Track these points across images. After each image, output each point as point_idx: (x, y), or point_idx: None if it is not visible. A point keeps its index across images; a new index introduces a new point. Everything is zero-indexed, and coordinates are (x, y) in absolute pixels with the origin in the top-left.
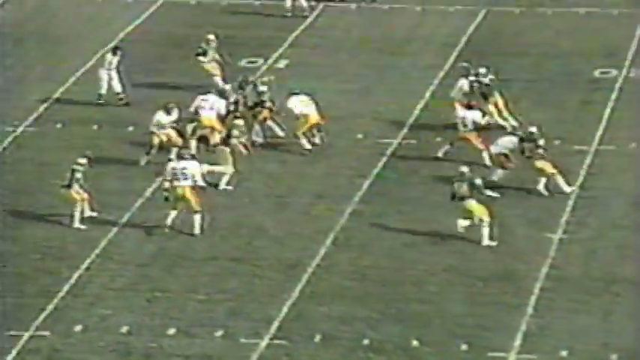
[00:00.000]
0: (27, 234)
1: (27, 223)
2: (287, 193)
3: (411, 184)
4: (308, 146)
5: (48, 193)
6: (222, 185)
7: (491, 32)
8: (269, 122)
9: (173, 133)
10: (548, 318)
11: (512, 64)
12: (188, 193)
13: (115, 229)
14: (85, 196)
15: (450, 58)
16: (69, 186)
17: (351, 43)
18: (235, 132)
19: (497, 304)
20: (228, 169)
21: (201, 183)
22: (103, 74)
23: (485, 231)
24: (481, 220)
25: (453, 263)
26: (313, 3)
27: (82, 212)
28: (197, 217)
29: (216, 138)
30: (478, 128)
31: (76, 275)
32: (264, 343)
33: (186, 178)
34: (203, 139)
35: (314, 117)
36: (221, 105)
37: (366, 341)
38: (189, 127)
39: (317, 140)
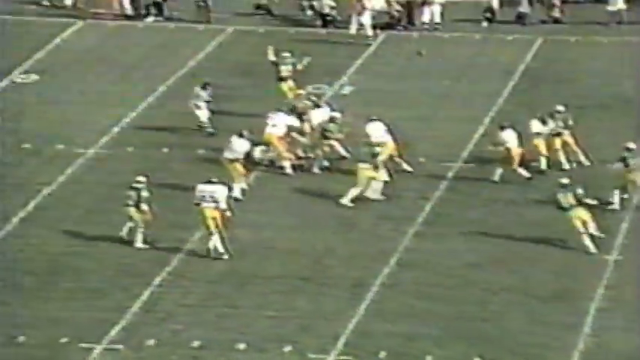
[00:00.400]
0: (102, 251)
1: (101, 241)
2: (353, 214)
3: (472, 206)
4: (385, 177)
5: (121, 213)
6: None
7: (547, 60)
8: (335, 144)
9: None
10: (604, 337)
11: (568, 91)
12: (213, 216)
13: (186, 248)
14: (149, 216)
15: (508, 85)
16: (136, 205)
17: (414, 70)
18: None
19: (556, 323)
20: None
21: (223, 206)
22: (192, 107)
23: (588, 240)
24: (585, 227)
25: (513, 283)
26: (378, 31)
27: (144, 232)
28: (215, 238)
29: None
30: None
31: (148, 292)
32: (331, 359)
33: (213, 201)
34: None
35: (390, 145)
36: (288, 122)
37: (429, 358)
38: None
39: (407, 167)
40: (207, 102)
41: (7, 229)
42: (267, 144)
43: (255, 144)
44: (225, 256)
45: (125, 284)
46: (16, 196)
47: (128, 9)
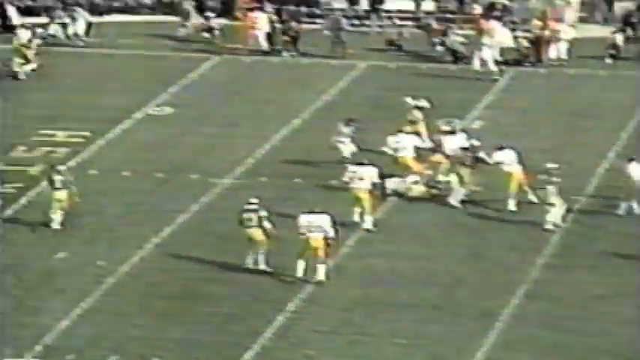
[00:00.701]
0: (235, 277)
1: (235, 267)
2: (482, 244)
3: (599, 239)
4: (513, 207)
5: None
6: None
7: None
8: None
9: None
10: None
11: None
12: (318, 245)
13: (319, 275)
14: (275, 232)
15: (632, 120)
16: (259, 226)
17: (541, 105)
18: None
19: None
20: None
21: (332, 235)
22: (335, 143)
23: None
24: None
25: None
26: (504, 67)
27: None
28: (322, 267)
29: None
30: None
31: (281, 317)
32: None
33: (320, 231)
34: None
35: (517, 175)
36: (415, 143)
37: None
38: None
39: (534, 199)
40: (351, 137)
41: (142, 255)
42: (405, 168)
43: (384, 175)
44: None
45: (258, 310)
46: (151, 223)
47: (264, 45)
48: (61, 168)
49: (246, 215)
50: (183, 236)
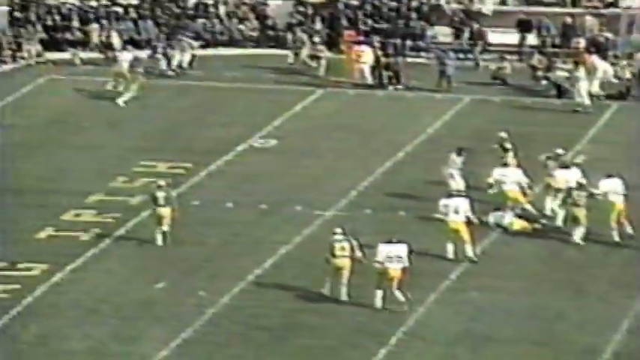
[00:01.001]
0: (337, 310)
1: (337, 299)
2: (585, 280)
3: None
4: (616, 238)
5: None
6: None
7: None
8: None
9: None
10: None
11: None
12: (396, 275)
13: (422, 309)
14: (365, 261)
15: None
16: (350, 256)
17: None
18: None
19: None
20: None
21: (407, 264)
22: (446, 172)
23: None
24: None
25: None
26: (607, 101)
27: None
28: (399, 293)
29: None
30: None
31: (384, 351)
32: None
33: (399, 261)
34: None
35: (619, 205)
36: (518, 178)
37: None
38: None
39: (629, 230)
40: (462, 169)
41: (242, 286)
42: (509, 201)
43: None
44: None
45: (360, 342)
46: (253, 254)
47: (369, 78)
48: (163, 184)
49: (338, 244)
50: (284, 268)
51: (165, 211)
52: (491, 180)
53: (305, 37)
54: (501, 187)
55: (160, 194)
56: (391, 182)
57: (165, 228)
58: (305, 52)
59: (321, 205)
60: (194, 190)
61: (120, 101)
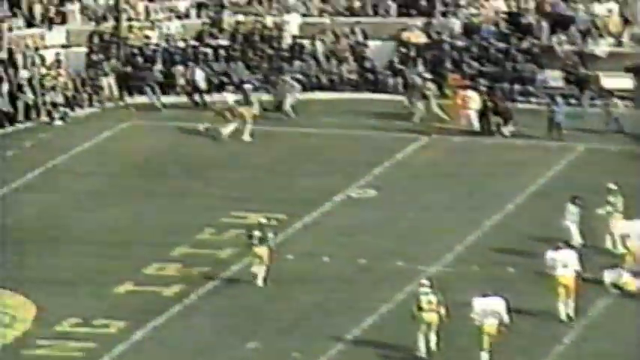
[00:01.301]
0: None
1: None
2: None
3: None
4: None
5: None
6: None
7: None
8: None
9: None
10: None
11: None
12: (491, 332)
13: None
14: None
15: None
16: (437, 310)
17: None
18: None
19: None
20: None
21: (506, 320)
22: (567, 224)
23: None
24: None
25: None
26: None
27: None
28: (485, 355)
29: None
30: None
31: None
32: None
33: (495, 317)
34: None
35: None
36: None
37: None
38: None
39: None
40: (575, 221)
41: (339, 347)
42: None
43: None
44: None
45: None
46: (350, 312)
47: (475, 124)
48: (263, 221)
49: (424, 297)
50: (385, 327)
51: (261, 251)
52: (616, 233)
53: (419, 80)
54: (625, 243)
55: (256, 233)
56: (500, 236)
57: (262, 268)
58: (434, 102)
59: (424, 260)
60: (288, 244)
61: (224, 135)
